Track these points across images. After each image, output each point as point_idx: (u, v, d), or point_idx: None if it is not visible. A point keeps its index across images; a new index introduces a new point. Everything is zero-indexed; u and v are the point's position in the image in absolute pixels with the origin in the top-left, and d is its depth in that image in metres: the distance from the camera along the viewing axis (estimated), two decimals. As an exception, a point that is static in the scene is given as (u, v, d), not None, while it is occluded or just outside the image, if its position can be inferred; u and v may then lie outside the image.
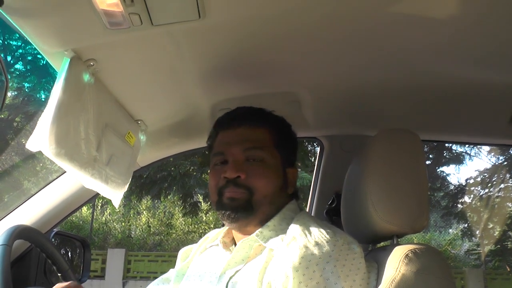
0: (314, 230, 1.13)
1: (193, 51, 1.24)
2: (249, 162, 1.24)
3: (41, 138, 1.05)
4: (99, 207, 16.00)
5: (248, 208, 1.21)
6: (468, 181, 13.36)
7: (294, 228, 1.15)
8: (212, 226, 15.06)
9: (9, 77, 1.05)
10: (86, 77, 1.17)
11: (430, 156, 12.16)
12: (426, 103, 1.64)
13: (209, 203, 12.04)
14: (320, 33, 1.20)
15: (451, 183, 13.62)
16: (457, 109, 1.70)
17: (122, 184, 1.48)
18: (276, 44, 1.25)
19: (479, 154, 13.29)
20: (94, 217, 15.45)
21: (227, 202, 1.23)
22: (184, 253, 1.47)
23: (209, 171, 1.32)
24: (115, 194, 1.46)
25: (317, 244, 1.07)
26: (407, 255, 1.04)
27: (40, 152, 1.07)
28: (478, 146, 12.83)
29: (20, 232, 1.33)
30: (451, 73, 1.43)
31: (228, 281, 1.18)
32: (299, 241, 1.09)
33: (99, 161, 1.28)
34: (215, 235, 1.41)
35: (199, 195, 11.97)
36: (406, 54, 1.33)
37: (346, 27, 1.17)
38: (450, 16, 1.11)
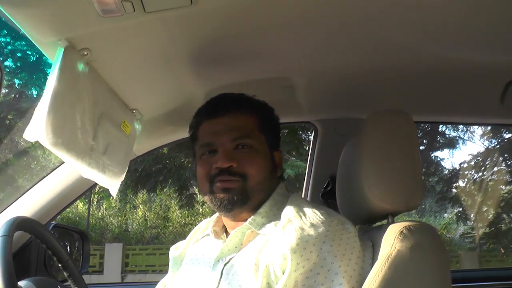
0: (309, 211, 1.15)
1: (186, 38, 1.25)
2: (239, 150, 1.25)
3: (38, 128, 1.05)
4: (95, 203, 15.99)
5: (243, 196, 1.22)
6: (461, 165, 13.49)
7: (289, 211, 1.16)
8: (208, 217, 15.08)
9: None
10: (81, 66, 1.18)
11: (424, 141, 12.22)
12: (418, 84, 1.66)
13: (205, 194, 12.02)
14: (312, 18, 1.21)
15: (445, 168, 13.71)
16: (449, 90, 1.72)
17: (119, 173, 1.49)
18: (269, 30, 1.26)
19: (472, 138, 13.41)
20: (91, 212, 15.45)
21: (222, 193, 1.23)
22: (175, 249, 1.47)
23: (197, 161, 1.32)
24: (112, 183, 1.47)
25: (312, 225, 1.09)
26: (401, 231, 1.06)
27: (33, 149, 1.07)
28: (471, 130, 12.92)
29: (20, 223, 1.33)
30: (442, 54, 1.45)
31: (223, 268, 1.20)
32: (294, 223, 1.10)
33: (95, 150, 1.29)
34: (206, 225, 1.42)
35: (194, 187, 11.96)
36: (397, 37, 1.34)
37: (337, 11, 1.19)
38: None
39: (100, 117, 1.31)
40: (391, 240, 1.06)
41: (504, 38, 1.35)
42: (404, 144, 1.22)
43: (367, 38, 1.34)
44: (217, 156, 1.24)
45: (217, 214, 1.37)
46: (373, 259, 1.10)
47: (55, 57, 1.10)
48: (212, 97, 1.35)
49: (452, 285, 1.06)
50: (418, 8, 1.18)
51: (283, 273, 1.05)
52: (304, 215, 1.13)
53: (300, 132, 9.12)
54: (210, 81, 1.54)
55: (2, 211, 1.70)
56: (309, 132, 8.50)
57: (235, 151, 1.24)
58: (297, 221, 1.11)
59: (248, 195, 1.22)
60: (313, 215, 1.13)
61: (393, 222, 1.17)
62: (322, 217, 1.12)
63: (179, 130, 1.85)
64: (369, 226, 1.38)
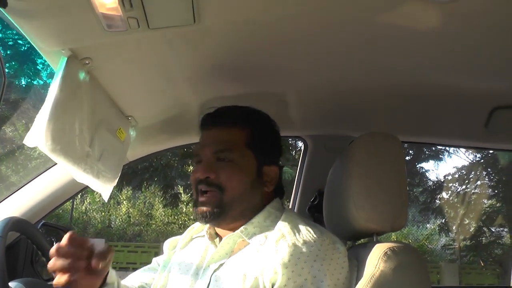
0: (302, 228, 1.17)
1: (185, 52, 1.28)
2: (220, 162, 1.27)
3: (38, 135, 1.08)
4: (79, 196, 15.83)
5: (220, 210, 1.24)
6: (446, 177, 13.56)
7: (283, 226, 1.19)
8: (191, 217, 15.02)
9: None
10: (82, 75, 1.20)
11: (410, 151, 12.30)
12: (407, 106, 1.71)
13: (189, 194, 12.00)
14: (308, 39, 1.26)
15: (429, 179, 13.78)
16: (436, 113, 1.77)
17: (112, 178, 1.51)
18: (266, 48, 1.30)
19: (457, 152, 13.46)
20: (74, 206, 15.31)
21: (200, 207, 1.26)
22: (171, 243, 1.48)
23: None
24: (105, 188, 1.49)
25: (305, 242, 1.12)
26: (386, 252, 1.10)
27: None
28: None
29: (13, 224, 1.35)
30: (431, 79, 1.50)
31: (212, 274, 1.22)
32: (288, 239, 1.13)
33: (91, 157, 1.32)
34: (201, 226, 1.43)
35: (179, 186, 11.92)
36: (388, 61, 1.39)
37: (332, 33, 1.23)
38: (432, 27, 1.18)
39: (97, 124, 1.34)
40: (375, 261, 1.09)
41: (491, 64, 1.40)
42: (392, 167, 1.25)
43: (360, 60, 1.38)
44: (199, 166, 1.29)
45: None
46: (357, 278, 1.14)
47: (58, 66, 1.13)
48: (209, 108, 1.39)
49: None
50: (409, 36, 1.23)
51: (272, 286, 1.08)
52: (298, 231, 1.16)
53: (288, 139, 9.14)
54: (206, 93, 1.57)
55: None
56: (297, 139, 8.49)
57: (216, 163, 1.27)
58: (291, 237, 1.14)
59: (224, 208, 1.24)
60: (306, 232, 1.16)
61: (377, 241, 1.21)
62: (315, 235, 1.14)
63: (173, 139, 1.88)
64: (353, 242, 1.42)
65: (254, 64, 1.41)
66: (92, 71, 1.25)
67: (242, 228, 1.24)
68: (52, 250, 1.07)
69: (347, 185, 1.25)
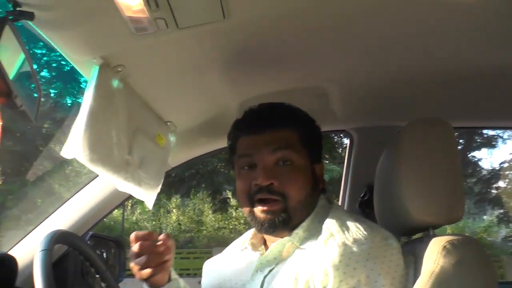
0: (351, 226, 1.11)
1: (218, 50, 1.25)
2: (279, 166, 1.20)
3: (75, 146, 1.07)
4: (129, 207, 16.23)
5: (285, 218, 1.18)
6: (502, 165, 13.10)
7: (331, 225, 1.13)
8: (242, 221, 15.15)
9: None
10: (115, 83, 1.19)
11: (460, 141, 11.98)
12: (455, 89, 1.62)
13: (238, 199, 12.09)
14: (344, 26, 1.20)
15: (483, 168, 13.40)
16: (487, 94, 1.67)
17: (155, 185, 1.50)
18: (301, 39, 1.25)
19: (512, 137, 12.99)
20: (125, 217, 15.69)
21: (263, 215, 1.19)
22: (209, 264, 1.43)
23: (236, 174, 1.28)
24: (148, 195, 1.48)
25: (355, 241, 1.06)
26: (444, 246, 1.02)
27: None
28: (512, 128, 12.54)
29: (59, 237, 1.35)
30: (479, 58, 1.41)
31: (263, 280, 1.18)
32: (337, 238, 1.07)
33: (131, 164, 1.31)
34: (243, 241, 1.38)
35: (228, 191, 12.05)
36: (432, 42, 1.31)
37: (370, 18, 1.17)
38: (478, 3, 1.10)
39: (135, 131, 1.33)
40: (434, 256, 1.02)
41: None
42: (444, 153, 1.18)
43: (402, 45, 1.31)
44: (256, 171, 1.20)
45: (253, 230, 1.35)
46: (415, 275, 1.07)
47: (90, 75, 1.12)
48: (248, 107, 1.31)
49: (501, 301, 1.02)
50: (452, 12, 1.15)
51: None
52: (347, 229, 1.10)
53: (333, 135, 9.07)
54: (243, 92, 1.53)
55: (42, 222, 1.74)
56: (341, 135, 8.43)
57: (276, 167, 1.19)
58: (340, 236, 1.08)
59: (289, 216, 1.18)
60: (356, 230, 1.09)
61: (434, 235, 1.14)
62: (365, 232, 1.08)
63: (214, 141, 1.85)
64: (409, 238, 1.35)
65: (290, 58, 1.37)
66: (126, 78, 1.24)
67: (293, 234, 1.19)
68: (134, 248, 1.15)
69: (397, 177, 1.18)
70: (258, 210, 1.19)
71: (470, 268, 1.01)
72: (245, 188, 1.22)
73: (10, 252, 1.66)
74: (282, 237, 1.20)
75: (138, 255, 1.15)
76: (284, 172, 1.19)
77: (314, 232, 1.17)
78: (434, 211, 1.13)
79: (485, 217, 15.94)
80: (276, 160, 1.20)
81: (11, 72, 0.90)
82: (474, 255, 1.04)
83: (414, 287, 1.01)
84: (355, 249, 1.04)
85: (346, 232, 1.09)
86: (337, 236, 1.08)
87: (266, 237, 1.29)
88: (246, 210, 1.24)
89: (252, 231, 1.36)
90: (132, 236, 1.16)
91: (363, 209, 1.77)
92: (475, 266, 1.02)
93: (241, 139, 1.28)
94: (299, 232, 1.19)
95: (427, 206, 1.12)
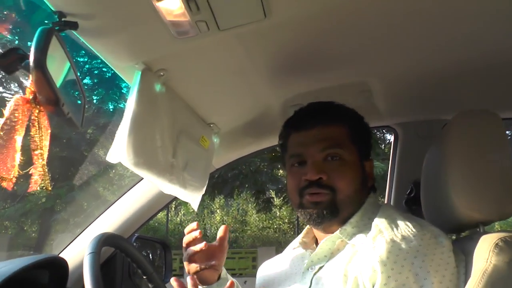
0: (400, 223, 1.10)
1: (260, 50, 1.24)
2: (328, 162, 1.22)
3: (119, 150, 1.09)
4: (173, 209, 16.50)
5: (333, 210, 1.20)
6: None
7: (380, 222, 1.12)
8: (286, 220, 15.15)
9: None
10: (158, 87, 1.20)
11: (507, 132, 11.56)
12: (501, 79, 1.56)
13: (281, 198, 12.08)
14: (385, 19, 1.17)
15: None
16: None
17: (200, 187, 1.51)
18: (342, 35, 1.23)
19: None
20: (169, 218, 15.94)
21: (311, 206, 1.21)
22: (264, 267, 1.46)
23: (287, 172, 1.31)
24: (193, 197, 1.50)
25: (404, 238, 1.05)
26: (497, 244, 0.98)
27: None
28: None
29: (106, 239, 1.39)
30: None
31: (312, 277, 1.18)
32: (385, 235, 1.07)
33: (176, 167, 1.32)
34: (293, 243, 1.41)
35: (271, 190, 12.05)
36: (475, 33, 1.27)
37: (411, 10, 1.14)
38: None
39: (179, 134, 1.34)
40: (486, 254, 0.99)
41: None
42: (493, 146, 1.14)
43: (443, 34, 1.27)
44: (306, 167, 1.22)
45: (307, 227, 1.36)
46: (466, 274, 1.04)
47: (133, 80, 1.14)
48: (289, 106, 1.35)
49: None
50: (498, 1, 1.11)
51: (372, 286, 1.02)
52: (396, 226, 1.09)
53: (375, 131, 8.93)
54: (286, 91, 1.52)
55: (90, 225, 1.78)
56: (384, 131, 8.28)
57: (325, 162, 1.22)
58: (388, 233, 1.07)
59: (337, 208, 1.20)
60: (405, 227, 1.09)
61: (484, 232, 1.10)
62: (414, 229, 1.07)
63: (257, 141, 1.85)
64: (458, 235, 1.31)
65: (332, 55, 1.35)
66: (168, 82, 1.25)
67: (341, 229, 1.19)
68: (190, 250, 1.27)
69: (445, 172, 1.15)
70: (307, 201, 1.22)
71: None
72: (295, 184, 1.25)
73: (61, 255, 1.71)
74: (331, 233, 1.21)
75: (186, 248, 1.28)
76: (333, 166, 1.21)
77: (363, 228, 1.17)
78: (483, 207, 1.09)
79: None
80: (325, 156, 1.22)
81: (58, 81, 0.92)
82: None
83: (466, 287, 0.98)
84: (403, 246, 1.03)
85: (395, 229, 1.08)
86: (385, 232, 1.07)
87: (316, 234, 1.31)
88: (295, 204, 1.26)
89: (304, 232, 1.37)
90: (185, 229, 1.29)
91: (409, 206, 1.74)
92: None
93: (292, 136, 1.31)
94: (347, 228, 1.19)
95: (476, 202, 1.09)
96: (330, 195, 1.20)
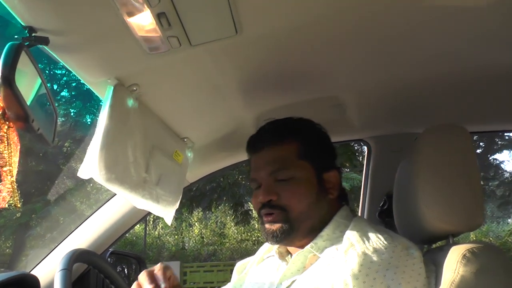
0: (372, 236, 1.11)
1: (232, 65, 1.25)
2: (279, 182, 1.23)
3: (91, 166, 1.08)
4: (151, 222, 16.32)
5: (288, 228, 1.21)
6: (524, 167, 12.84)
7: (351, 235, 1.13)
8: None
9: (56, 104, 1.09)
10: (130, 102, 1.20)
11: (481, 144, 11.80)
12: (472, 94, 1.60)
13: (260, 210, 12.09)
14: (356, 35, 1.19)
15: (506, 171, 13.15)
16: (504, 97, 1.64)
17: (173, 201, 1.51)
18: (314, 51, 1.25)
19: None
20: (147, 232, 15.77)
21: (268, 226, 1.23)
22: (240, 266, 1.48)
23: None
24: (166, 212, 1.49)
25: (375, 250, 1.05)
26: (464, 255, 1.01)
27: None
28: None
29: (78, 256, 1.37)
30: (495, 60, 1.39)
31: None
32: (357, 248, 1.07)
33: (149, 182, 1.31)
34: (271, 246, 1.40)
35: (249, 203, 12.03)
36: (446, 48, 1.29)
37: (382, 26, 1.16)
38: (493, 2, 1.08)
39: (151, 149, 1.34)
40: (454, 265, 1.01)
41: None
42: (461, 160, 1.16)
43: (414, 49, 1.30)
44: (259, 190, 1.26)
45: None
46: (436, 284, 1.05)
47: (105, 95, 1.14)
48: (265, 120, 1.35)
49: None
50: (463, 15, 1.14)
51: None
52: (368, 239, 1.10)
53: (353, 143, 9.01)
54: (259, 105, 1.53)
55: (63, 241, 1.76)
56: (361, 143, 8.32)
57: (276, 183, 1.23)
58: (360, 246, 1.07)
59: (293, 225, 1.21)
60: (376, 239, 1.09)
61: (454, 243, 1.12)
62: (385, 242, 1.08)
63: (231, 156, 1.86)
64: (429, 246, 1.33)
65: (304, 70, 1.36)
66: (141, 97, 1.25)
67: (312, 243, 1.20)
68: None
69: (415, 184, 1.17)
70: (264, 222, 1.25)
71: (492, 276, 0.99)
72: (255, 206, 1.28)
73: (32, 272, 1.68)
74: (301, 247, 1.22)
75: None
76: (284, 187, 1.23)
77: (335, 241, 1.17)
78: (453, 219, 1.11)
79: (509, 220, 15.63)
80: (274, 179, 1.24)
81: (29, 97, 0.91)
82: (495, 263, 1.01)
83: None
84: (375, 258, 1.04)
85: (366, 241, 1.09)
86: (357, 245, 1.08)
87: (289, 247, 1.31)
88: (260, 225, 1.29)
89: None
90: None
91: (383, 218, 1.76)
92: (497, 274, 1.00)
93: (251, 160, 1.34)
94: (318, 241, 1.20)
95: (445, 214, 1.11)
96: (283, 214, 1.21)
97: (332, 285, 1.05)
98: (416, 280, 1.03)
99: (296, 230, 1.21)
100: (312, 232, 1.22)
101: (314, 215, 1.23)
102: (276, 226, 1.21)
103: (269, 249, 1.41)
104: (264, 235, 1.25)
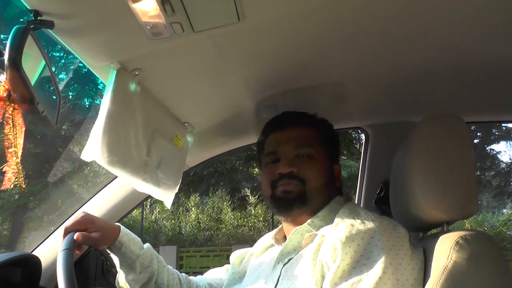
0: (362, 213, 1.20)
1: (234, 52, 1.26)
2: (299, 158, 1.34)
3: (94, 149, 1.10)
4: (148, 207, 16.36)
5: (302, 198, 1.29)
6: (521, 157, 12.89)
7: (343, 213, 1.22)
8: (261, 219, 15.16)
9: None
10: (133, 86, 1.22)
11: (478, 134, 11.82)
12: (470, 84, 1.61)
13: (257, 196, 12.13)
14: (358, 22, 1.20)
15: (502, 161, 13.20)
16: (502, 88, 1.65)
17: (173, 185, 1.53)
18: (315, 38, 1.25)
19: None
20: (144, 216, 15.81)
21: (282, 195, 1.31)
22: (236, 258, 1.54)
23: (262, 170, 1.42)
24: (166, 195, 1.51)
25: (363, 222, 1.14)
26: (457, 242, 1.03)
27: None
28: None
29: None
30: (495, 51, 1.40)
31: (281, 269, 1.25)
32: (346, 221, 1.16)
33: (150, 165, 1.33)
34: (267, 238, 1.49)
35: (246, 189, 12.08)
36: (446, 36, 1.30)
37: (383, 13, 1.16)
38: None
39: (153, 133, 1.35)
40: (447, 251, 1.03)
41: None
42: (457, 149, 1.18)
43: (417, 40, 1.31)
44: (279, 163, 1.34)
45: (278, 227, 1.45)
46: (427, 270, 1.08)
47: (108, 79, 1.15)
48: (263, 107, 1.47)
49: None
50: (464, 9, 1.15)
51: (333, 263, 1.08)
52: (357, 215, 1.19)
53: (351, 131, 9.01)
54: (259, 92, 1.54)
55: (62, 223, 1.77)
56: (359, 131, 8.31)
57: (296, 159, 1.33)
58: (349, 219, 1.16)
59: (306, 197, 1.30)
60: (365, 214, 1.19)
61: (448, 231, 1.14)
62: (373, 216, 1.17)
63: (231, 141, 1.88)
64: (424, 233, 1.35)
65: (306, 57, 1.37)
66: (143, 82, 1.26)
67: (309, 221, 1.27)
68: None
69: (411, 173, 1.20)
70: (279, 191, 1.32)
71: (484, 262, 1.01)
72: (269, 178, 1.35)
73: (34, 253, 1.70)
74: (300, 224, 1.29)
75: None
76: (304, 162, 1.33)
77: (330, 222, 1.24)
78: (447, 207, 1.13)
79: (504, 210, 15.70)
80: (296, 154, 1.34)
81: (33, 79, 0.93)
82: (488, 250, 1.03)
83: (428, 283, 1.02)
84: (361, 227, 1.12)
85: (355, 216, 1.18)
86: (346, 219, 1.17)
87: (285, 228, 1.39)
88: (267, 197, 1.36)
89: (275, 230, 1.46)
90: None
91: (379, 205, 1.78)
92: (489, 260, 1.02)
93: (269, 137, 1.43)
94: (315, 220, 1.28)
95: (440, 202, 1.13)
96: (300, 185, 1.30)
97: (324, 254, 1.12)
98: (398, 249, 1.08)
99: (309, 202, 1.30)
100: (314, 211, 1.30)
101: (324, 194, 1.33)
102: (293, 194, 1.30)
103: (265, 241, 1.49)
104: (276, 204, 1.33)
